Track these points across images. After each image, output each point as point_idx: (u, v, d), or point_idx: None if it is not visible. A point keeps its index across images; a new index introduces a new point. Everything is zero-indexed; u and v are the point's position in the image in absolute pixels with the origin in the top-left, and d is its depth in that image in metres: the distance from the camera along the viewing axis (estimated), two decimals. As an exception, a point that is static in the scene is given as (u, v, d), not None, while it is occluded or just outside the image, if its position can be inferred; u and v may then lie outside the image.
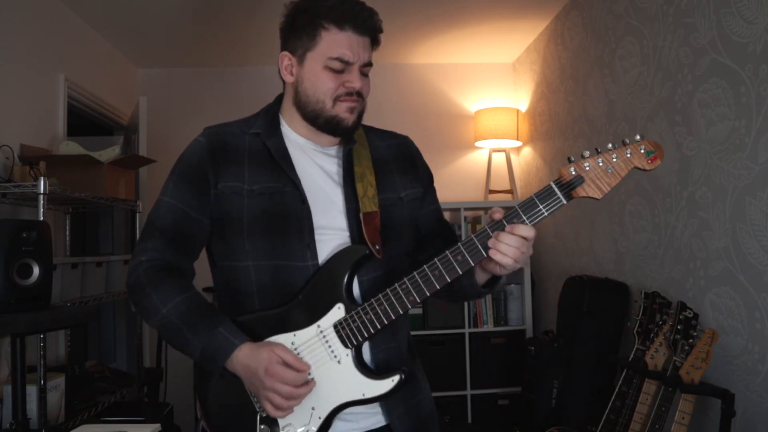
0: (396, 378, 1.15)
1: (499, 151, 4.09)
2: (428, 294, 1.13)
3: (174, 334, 1.17)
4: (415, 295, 1.13)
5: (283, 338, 1.18)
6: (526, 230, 1.09)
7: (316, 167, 1.27)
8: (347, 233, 1.23)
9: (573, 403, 2.71)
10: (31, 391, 2.14)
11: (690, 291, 2.25)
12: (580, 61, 3.19)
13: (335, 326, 1.17)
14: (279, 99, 1.35)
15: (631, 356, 2.22)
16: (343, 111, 1.22)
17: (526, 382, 2.98)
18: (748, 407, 1.95)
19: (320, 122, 1.24)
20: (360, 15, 1.20)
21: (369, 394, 1.16)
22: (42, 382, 2.19)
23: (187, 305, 1.18)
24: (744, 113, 1.96)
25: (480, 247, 1.11)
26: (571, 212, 3.27)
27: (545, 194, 1.09)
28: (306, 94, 1.24)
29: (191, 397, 3.15)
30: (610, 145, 1.08)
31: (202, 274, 1.33)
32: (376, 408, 1.23)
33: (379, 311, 1.14)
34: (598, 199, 1.10)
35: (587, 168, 1.08)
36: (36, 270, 2.05)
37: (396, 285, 1.14)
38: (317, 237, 1.21)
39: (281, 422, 1.18)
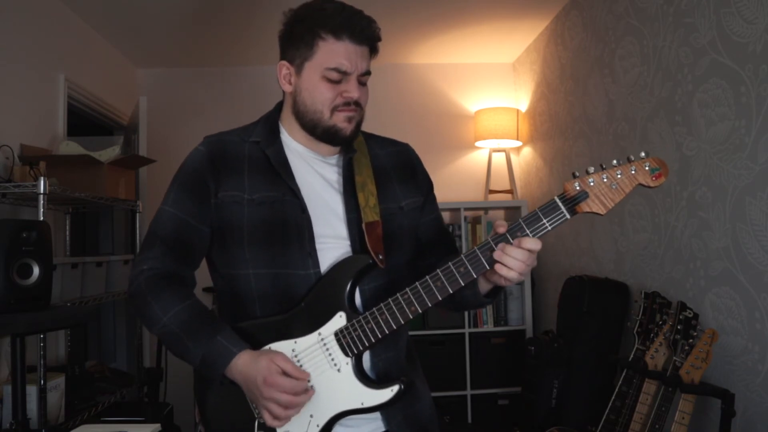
0: (395, 388, 1.15)
1: (499, 151, 4.09)
2: (430, 304, 1.14)
3: (175, 342, 1.18)
4: (417, 305, 1.14)
5: (284, 345, 1.19)
6: (533, 243, 1.09)
7: (317, 176, 1.27)
8: (348, 242, 1.23)
9: (573, 403, 2.71)
10: (31, 391, 2.14)
11: (690, 291, 2.25)
12: (580, 61, 3.19)
13: (336, 334, 1.17)
14: (279, 106, 1.34)
15: (631, 356, 2.22)
16: (341, 121, 1.22)
17: (526, 382, 2.98)
18: (748, 407, 1.95)
19: (318, 132, 1.24)
20: (358, 24, 1.19)
21: (368, 404, 1.16)
22: (42, 382, 2.19)
23: (187, 313, 1.18)
24: (744, 113, 1.96)
25: (483, 259, 1.11)
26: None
27: (549, 209, 1.09)
28: (304, 103, 1.23)
29: (191, 397, 3.13)
30: (614, 162, 1.09)
31: (202, 273, 1.33)
32: (375, 414, 1.23)
33: (381, 321, 1.14)
34: (601, 215, 1.10)
35: (591, 184, 1.09)
36: (36, 270, 2.05)
37: (398, 295, 1.14)
38: (318, 246, 1.22)
39: (279, 430, 1.18)
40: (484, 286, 1.19)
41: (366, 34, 1.21)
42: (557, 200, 1.09)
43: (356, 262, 1.19)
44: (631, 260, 2.70)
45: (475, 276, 1.12)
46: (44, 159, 2.52)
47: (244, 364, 1.14)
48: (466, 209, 3.68)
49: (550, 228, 1.09)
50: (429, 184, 1.41)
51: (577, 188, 1.09)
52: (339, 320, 1.17)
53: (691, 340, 2.00)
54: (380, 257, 1.20)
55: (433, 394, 1.37)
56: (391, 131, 1.50)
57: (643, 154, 1.08)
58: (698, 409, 2.02)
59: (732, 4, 2.01)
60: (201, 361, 1.16)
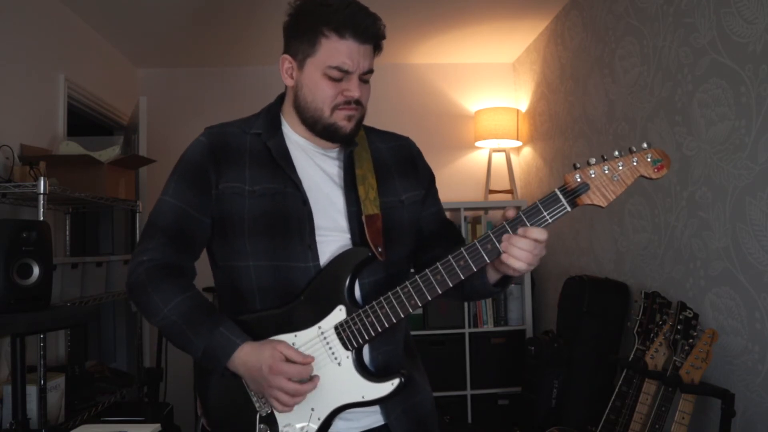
0: (396, 381, 1.16)
1: (499, 151, 4.09)
2: (430, 298, 1.13)
3: (175, 333, 1.18)
4: (416, 299, 1.13)
5: (284, 339, 1.18)
6: (539, 233, 1.08)
7: (317, 168, 1.27)
8: (348, 235, 1.23)
9: (573, 403, 2.71)
10: (31, 391, 2.14)
11: (690, 291, 2.25)
12: (580, 61, 3.19)
13: (336, 328, 1.17)
14: (280, 98, 1.34)
15: (631, 356, 2.22)
16: (341, 119, 1.22)
17: (526, 382, 2.98)
18: (748, 407, 1.95)
19: (318, 128, 1.24)
20: (362, 22, 1.18)
21: (368, 397, 1.16)
22: (42, 382, 2.19)
23: (188, 304, 1.18)
24: (744, 113, 1.96)
25: (483, 252, 1.10)
26: (572, 212, 3.26)
27: (549, 201, 1.09)
28: (305, 99, 1.23)
29: (191, 397, 3.15)
30: (616, 153, 1.07)
31: (203, 273, 1.33)
32: (375, 407, 1.23)
33: (381, 314, 1.14)
34: (602, 207, 1.09)
35: (593, 175, 1.07)
36: (36, 270, 2.05)
37: (398, 288, 1.14)
38: (318, 238, 1.21)
39: (280, 422, 1.18)
40: (493, 276, 1.18)
41: (370, 33, 1.19)
42: (558, 192, 1.08)
43: (355, 255, 1.19)
44: (631, 260, 2.70)
45: (474, 269, 1.11)
46: (44, 159, 2.52)
47: (246, 354, 1.13)
48: (466, 209, 3.68)
49: (550, 221, 1.09)
50: (430, 177, 1.40)
51: (578, 180, 1.08)
52: (339, 314, 1.17)
53: (691, 340, 2.00)
54: (380, 250, 1.20)
55: (433, 394, 1.37)
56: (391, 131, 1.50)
57: (645, 145, 1.07)
58: (698, 409, 2.02)
59: (732, 4, 2.01)
60: (203, 353, 1.15)
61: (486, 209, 3.86)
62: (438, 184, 1.43)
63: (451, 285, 1.12)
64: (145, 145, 3.33)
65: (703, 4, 2.16)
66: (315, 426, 1.17)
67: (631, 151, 1.07)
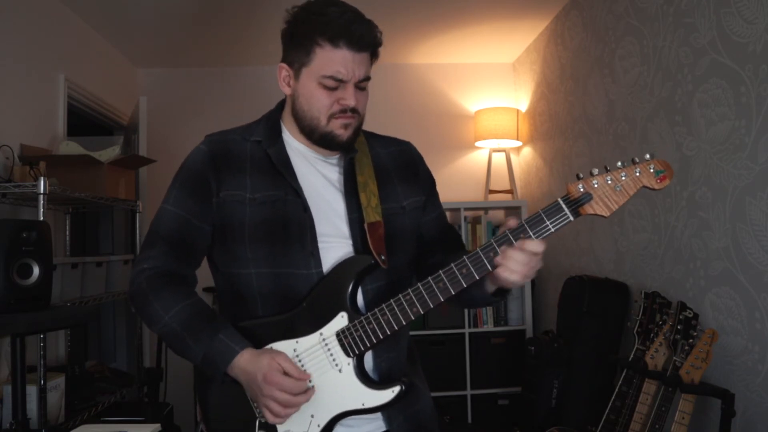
0: (396, 389, 1.15)
1: (499, 151, 4.09)
2: (432, 305, 1.13)
3: (176, 340, 1.18)
4: (418, 306, 1.14)
5: (286, 345, 1.18)
6: (536, 245, 1.08)
7: (318, 175, 1.27)
8: (350, 242, 1.23)
9: (573, 403, 2.71)
10: (31, 391, 2.14)
11: (690, 291, 2.25)
12: (580, 61, 3.19)
13: (338, 335, 1.17)
14: (280, 105, 1.34)
15: (631, 356, 2.22)
16: (337, 127, 1.22)
17: (526, 382, 2.98)
18: (748, 407, 1.95)
19: (315, 137, 1.24)
20: (357, 31, 1.17)
21: (369, 404, 1.16)
22: (42, 382, 2.19)
23: (188, 312, 1.18)
24: (744, 113, 1.96)
25: (485, 261, 1.10)
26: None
27: (552, 210, 1.09)
28: (302, 108, 1.23)
29: (191, 397, 3.15)
30: (619, 163, 1.08)
31: (203, 273, 1.33)
32: (376, 414, 1.23)
33: (382, 321, 1.14)
34: (605, 217, 1.10)
35: (596, 185, 1.08)
36: (36, 270, 2.05)
37: (400, 296, 1.14)
38: (320, 245, 1.21)
39: (280, 429, 1.18)
40: (491, 286, 1.19)
41: (365, 41, 1.19)
42: (561, 202, 1.09)
43: (358, 263, 1.19)
44: (631, 260, 2.70)
45: (477, 277, 1.11)
46: (44, 159, 2.52)
47: (246, 361, 1.14)
48: (466, 209, 3.68)
49: (553, 230, 1.09)
50: (431, 182, 1.40)
51: (581, 190, 1.08)
52: (341, 320, 1.17)
53: (691, 340, 2.00)
54: (382, 258, 1.19)
55: (433, 394, 1.37)
56: (391, 131, 1.50)
57: (648, 156, 1.07)
58: (698, 409, 2.02)
59: (732, 4, 2.01)
60: (202, 360, 1.16)
61: (486, 209, 3.86)
62: (438, 185, 1.43)
63: (453, 293, 1.12)
64: (145, 145, 3.33)
65: (703, 4, 2.16)
66: None
67: (634, 162, 1.08)
